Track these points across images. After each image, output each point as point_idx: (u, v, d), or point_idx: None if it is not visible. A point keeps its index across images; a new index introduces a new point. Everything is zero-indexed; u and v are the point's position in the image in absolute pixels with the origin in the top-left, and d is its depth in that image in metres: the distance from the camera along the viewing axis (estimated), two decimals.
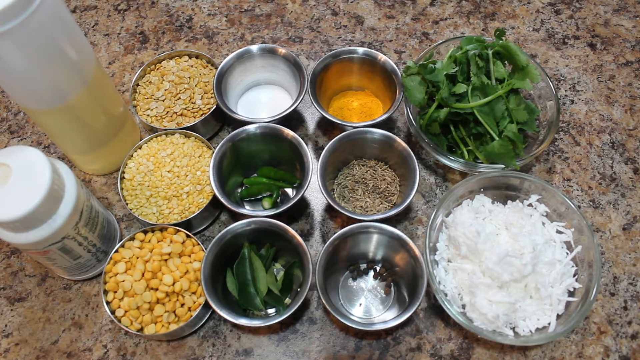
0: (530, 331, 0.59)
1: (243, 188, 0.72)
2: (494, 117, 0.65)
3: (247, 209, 0.68)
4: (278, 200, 0.70)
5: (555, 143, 0.77)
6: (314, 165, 0.68)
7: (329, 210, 0.72)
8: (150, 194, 0.67)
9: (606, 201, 0.73)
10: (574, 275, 0.62)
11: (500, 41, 0.67)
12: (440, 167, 0.75)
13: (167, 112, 0.73)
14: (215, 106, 0.73)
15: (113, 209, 0.73)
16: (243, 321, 0.57)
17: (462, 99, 0.66)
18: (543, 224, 0.64)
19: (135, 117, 0.77)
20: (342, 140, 0.68)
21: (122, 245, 0.63)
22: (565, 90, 0.82)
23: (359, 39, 0.87)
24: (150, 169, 0.68)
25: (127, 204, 0.67)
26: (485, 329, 0.59)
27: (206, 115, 0.72)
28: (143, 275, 0.60)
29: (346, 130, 0.69)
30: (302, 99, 0.71)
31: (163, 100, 0.74)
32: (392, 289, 0.66)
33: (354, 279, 0.67)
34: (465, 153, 0.69)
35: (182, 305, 0.60)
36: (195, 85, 0.75)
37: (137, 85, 0.76)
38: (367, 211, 0.69)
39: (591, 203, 0.72)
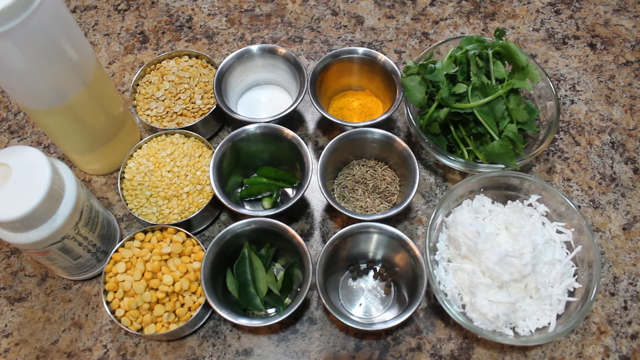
0: (530, 331, 0.59)
1: (243, 188, 0.72)
2: (494, 117, 0.65)
3: (247, 209, 0.68)
4: (278, 200, 0.70)
5: (555, 143, 0.77)
6: (314, 165, 0.68)
7: (329, 210, 0.72)
8: (150, 194, 0.67)
9: (606, 201, 0.73)
10: (574, 275, 0.62)
11: (500, 41, 0.67)
12: (440, 167, 0.75)
13: (167, 112, 0.73)
14: (215, 106, 0.73)
15: (113, 209, 0.73)
16: (243, 321, 0.57)
17: (462, 99, 0.66)
18: (543, 224, 0.64)
19: (135, 117, 0.77)
20: (342, 140, 0.68)
21: (122, 245, 0.63)
22: (565, 90, 0.82)
23: (359, 39, 0.87)
24: (150, 169, 0.68)
25: (127, 204, 0.67)
26: (485, 329, 0.59)
27: (206, 115, 0.72)
28: (143, 275, 0.60)
29: (346, 130, 0.69)
30: (302, 99, 0.71)
31: (163, 100, 0.74)
32: (392, 289, 0.66)
33: (354, 279, 0.67)
34: (465, 153, 0.69)
35: (182, 305, 0.60)
36: (195, 85, 0.75)
37: (137, 85, 0.76)
38: (367, 211, 0.69)
39: (591, 203, 0.72)
